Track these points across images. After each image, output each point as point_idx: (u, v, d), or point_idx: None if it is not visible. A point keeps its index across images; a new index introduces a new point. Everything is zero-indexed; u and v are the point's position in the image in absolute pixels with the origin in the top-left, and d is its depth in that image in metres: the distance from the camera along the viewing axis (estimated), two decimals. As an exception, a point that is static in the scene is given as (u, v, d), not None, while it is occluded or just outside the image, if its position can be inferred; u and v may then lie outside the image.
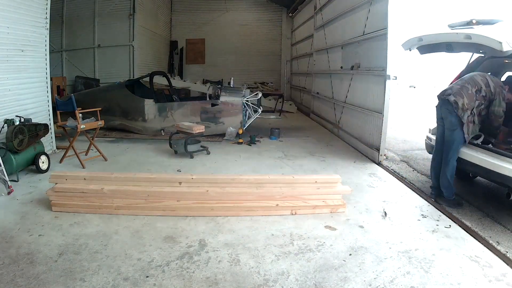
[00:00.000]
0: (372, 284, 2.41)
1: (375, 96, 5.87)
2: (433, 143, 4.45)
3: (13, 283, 2.30)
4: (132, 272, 2.47)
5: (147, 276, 2.42)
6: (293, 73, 15.15)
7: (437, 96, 4.06)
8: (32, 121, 4.66)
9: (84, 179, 3.50)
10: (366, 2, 6.31)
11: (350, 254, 2.80)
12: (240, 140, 6.82)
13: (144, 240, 2.94)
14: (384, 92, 5.43)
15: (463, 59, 4.71)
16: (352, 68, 7.06)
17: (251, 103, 7.14)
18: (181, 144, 5.70)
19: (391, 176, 4.96)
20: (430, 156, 4.39)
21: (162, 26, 13.92)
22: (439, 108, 4.02)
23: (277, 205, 3.53)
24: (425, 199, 4.04)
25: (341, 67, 7.89)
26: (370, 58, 6.24)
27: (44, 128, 4.79)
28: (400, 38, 4.84)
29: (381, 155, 5.55)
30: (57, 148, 5.75)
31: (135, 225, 3.23)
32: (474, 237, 3.12)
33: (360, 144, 6.38)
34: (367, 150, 6.03)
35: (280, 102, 11.48)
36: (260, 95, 7.38)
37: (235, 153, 6.03)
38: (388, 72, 5.36)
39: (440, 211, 3.71)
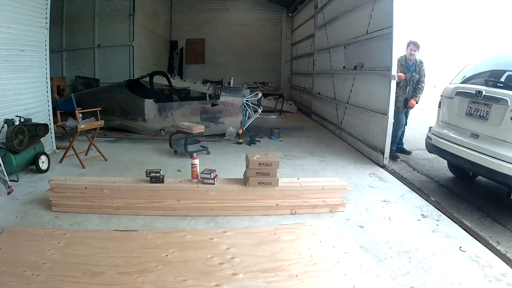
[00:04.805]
0: (372, 284, 2.40)
1: (379, 97, 5.74)
2: (433, 142, 4.45)
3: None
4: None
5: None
6: (293, 73, 15.15)
7: None
8: (32, 121, 4.67)
9: (86, 188, 3.50)
10: (370, 0, 6.25)
11: (350, 254, 2.79)
12: (240, 140, 6.82)
13: (144, 240, 2.94)
14: (390, 93, 5.29)
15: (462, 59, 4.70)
16: (355, 68, 7.00)
17: (251, 103, 7.14)
18: (181, 144, 5.71)
19: (391, 176, 4.96)
20: (431, 155, 4.39)
21: (162, 26, 13.92)
22: None
23: (277, 204, 3.53)
24: (425, 199, 4.04)
25: (344, 67, 7.83)
26: (374, 58, 6.11)
27: (44, 128, 4.79)
28: (406, 37, 4.76)
29: (385, 158, 5.41)
30: (57, 148, 5.75)
31: (135, 225, 3.23)
32: (474, 237, 3.12)
33: (363, 147, 6.24)
34: (371, 152, 5.90)
35: (280, 102, 11.48)
36: (260, 95, 7.37)
37: (235, 153, 6.03)
38: (393, 72, 5.23)
39: (440, 211, 3.70)
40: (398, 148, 6.11)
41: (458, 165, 4.42)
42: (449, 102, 4.42)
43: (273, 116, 10.63)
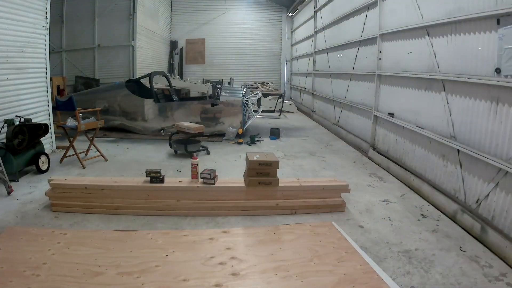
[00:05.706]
0: (372, 284, 2.40)
1: None
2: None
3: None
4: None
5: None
6: (293, 73, 15.16)
7: None
8: (32, 121, 4.67)
9: (86, 188, 3.50)
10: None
11: (350, 254, 2.79)
12: (240, 140, 6.82)
13: (144, 240, 2.94)
14: None
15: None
16: None
17: (251, 103, 7.14)
18: (181, 144, 5.71)
19: (391, 176, 4.95)
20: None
21: (162, 26, 13.92)
22: None
23: (277, 204, 3.54)
24: (425, 199, 4.04)
25: (353, 68, 7.39)
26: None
27: (44, 128, 4.79)
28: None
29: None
30: (57, 148, 5.75)
31: (135, 225, 3.23)
32: (474, 237, 3.12)
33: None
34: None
35: (280, 102, 11.47)
36: (260, 95, 7.37)
37: (235, 153, 6.03)
38: None
39: (440, 211, 3.70)
40: None
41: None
42: None
43: (273, 116, 10.61)
